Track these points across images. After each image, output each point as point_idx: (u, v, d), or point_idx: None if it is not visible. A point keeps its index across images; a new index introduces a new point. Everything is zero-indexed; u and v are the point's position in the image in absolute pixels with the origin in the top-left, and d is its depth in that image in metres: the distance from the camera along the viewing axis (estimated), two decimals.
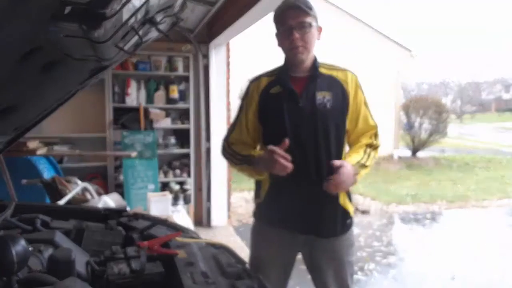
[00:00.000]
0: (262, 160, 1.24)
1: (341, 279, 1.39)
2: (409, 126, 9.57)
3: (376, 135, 1.43)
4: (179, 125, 4.07)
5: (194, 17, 3.60)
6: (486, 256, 3.44)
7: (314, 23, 1.31)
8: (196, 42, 3.96)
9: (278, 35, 1.37)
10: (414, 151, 9.57)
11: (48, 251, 0.86)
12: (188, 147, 4.07)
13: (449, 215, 5.04)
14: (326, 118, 1.32)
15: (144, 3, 0.72)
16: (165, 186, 4.03)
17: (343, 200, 1.37)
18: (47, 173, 2.82)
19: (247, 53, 7.08)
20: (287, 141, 1.18)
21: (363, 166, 1.34)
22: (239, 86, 7.62)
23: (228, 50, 4.16)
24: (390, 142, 9.13)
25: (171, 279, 0.88)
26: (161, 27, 0.88)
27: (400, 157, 9.30)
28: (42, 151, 2.75)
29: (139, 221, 1.19)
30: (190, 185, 4.09)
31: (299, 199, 1.19)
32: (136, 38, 0.84)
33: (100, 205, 1.98)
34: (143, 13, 0.78)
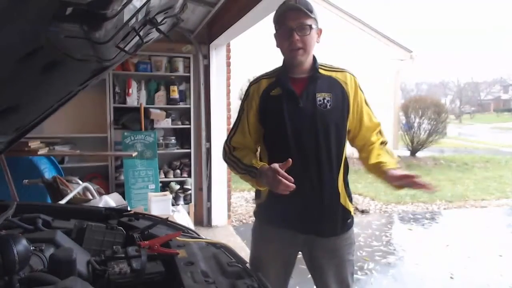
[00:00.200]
0: (265, 177, 1.22)
1: (341, 278, 1.39)
2: (408, 126, 9.57)
3: (381, 132, 1.44)
4: (180, 125, 4.07)
5: (195, 17, 3.61)
6: (484, 256, 3.45)
7: (314, 26, 1.31)
8: (197, 43, 3.96)
9: (277, 36, 1.37)
10: (413, 151, 9.57)
11: (50, 251, 0.87)
12: (189, 147, 4.08)
13: (448, 214, 5.04)
14: (327, 118, 1.33)
15: (145, 4, 0.72)
16: (165, 186, 4.03)
17: (343, 199, 1.38)
18: (48, 173, 2.82)
19: (247, 54, 7.08)
20: (290, 161, 1.17)
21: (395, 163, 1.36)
22: (239, 87, 7.62)
23: (228, 50, 4.16)
24: (389, 142, 9.07)
25: (172, 278, 0.88)
26: (162, 27, 0.88)
27: (399, 157, 9.27)
28: (43, 151, 2.75)
29: (139, 221, 1.19)
30: (190, 185, 4.09)
31: (300, 199, 1.20)
32: (136, 38, 0.85)
33: (101, 205, 1.98)
34: (144, 14, 0.78)
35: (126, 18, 0.70)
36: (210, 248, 1.02)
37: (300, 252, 1.45)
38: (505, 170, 8.24)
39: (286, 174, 1.16)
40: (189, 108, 4.03)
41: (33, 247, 0.83)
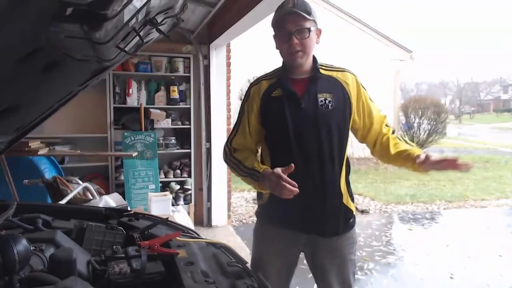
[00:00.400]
0: (268, 181, 1.22)
1: (343, 278, 1.39)
2: (408, 127, 9.58)
3: (388, 123, 1.46)
4: (180, 125, 4.07)
5: (195, 18, 3.61)
6: (484, 256, 3.45)
7: (313, 28, 1.31)
8: (197, 43, 3.96)
9: (276, 39, 1.37)
10: None
11: (50, 251, 0.87)
12: (189, 147, 4.08)
13: (447, 214, 5.04)
14: (329, 119, 1.33)
15: (145, 4, 0.72)
16: (165, 186, 4.03)
17: (346, 199, 1.38)
18: (49, 173, 2.82)
19: (247, 54, 7.08)
20: (292, 166, 1.17)
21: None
22: (239, 87, 7.62)
23: (228, 50, 4.17)
24: None
25: (172, 278, 0.88)
26: (162, 28, 0.88)
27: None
28: (43, 151, 2.75)
29: (139, 221, 1.19)
30: (190, 185, 4.09)
31: (303, 199, 1.19)
32: (137, 39, 0.85)
33: (101, 205, 1.98)
34: (144, 14, 0.78)
35: (126, 18, 0.70)
36: (210, 248, 1.02)
37: (301, 253, 1.45)
38: (504, 170, 8.24)
39: (289, 179, 1.16)
40: (189, 108, 4.04)
41: (33, 247, 0.83)
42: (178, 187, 4.08)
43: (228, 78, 4.17)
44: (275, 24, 1.35)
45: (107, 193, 2.58)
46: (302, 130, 1.32)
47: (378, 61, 9.12)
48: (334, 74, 1.40)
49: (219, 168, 4.07)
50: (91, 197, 2.29)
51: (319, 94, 1.34)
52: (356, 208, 4.98)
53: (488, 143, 14.03)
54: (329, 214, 1.34)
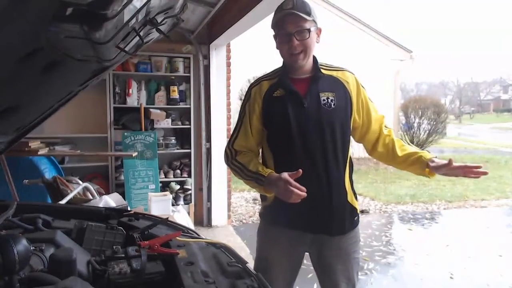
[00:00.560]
0: (275, 186, 1.21)
1: (348, 276, 1.40)
2: (408, 127, 9.58)
3: (386, 124, 1.47)
4: (180, 125, 4.07)
5: (195, 18, 3.61)
6: (484, 256, 3.45)
7: (313, 28, 1.31)
8: (197, 43, 3.96)
9: (276, 39, 1.37)
10: None
11: (50, 251, 0.86)
12: (189, 147, 4.08)
13: (447, 214, 5.04)
14: (332, 118, 1.33)
15: (145, 4, 0.72)
16: (165, 186, 4.04)
17: (350, 197, 1.39)
18: (49, 173, 2.82)
19: (247, 54, 7.08)
20: (300, 171, 1.16)
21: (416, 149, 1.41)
22: (239, 87, 7.62)
23: (228, 50, 4.17)
24: None
25: (172, 278, 0.88)
26: (162, 28, 0.88)
27: None
28: (43, 151, 2.75)
29: (139, 221, 1.19)
30: (190, 185, 4.09)
31: (308, 199, 1.18)
32: (137, 39, 0.85)
33: (101, 205, 1.98)
34: (144, 14, 0.78)
35: (126, 18, 0.70)
36: (210, 248, 1.02)
37: (305, 253, 1.45)
38: (504, 170, 8.24)
39: (298, 185, 1.15)
40: (189, 108, 4.04)
41: (33, 247, 0.83)
42: (178, 187, 4.08)
43: (228, 78, 4.17)
44: (275, 25, 1.35)
45: (107, 193, 2.58)
46: (305, 129, 1.32)
47: (378, 61, 9.11)
48: (334, 73, 1.40)
49: (219, 168, 4.07)
50: (91, 197, 2.29)
51: (321, 93, 1.34)
52: None
53: (488, 143, 14.03)
54: (335, 213, 1.35)
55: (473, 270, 3.15)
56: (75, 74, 0.97)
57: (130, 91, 3.80)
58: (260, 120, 1.38)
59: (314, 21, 1.32)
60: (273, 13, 1.38)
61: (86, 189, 2.34)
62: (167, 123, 3.98)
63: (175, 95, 3.94)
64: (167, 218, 1.24)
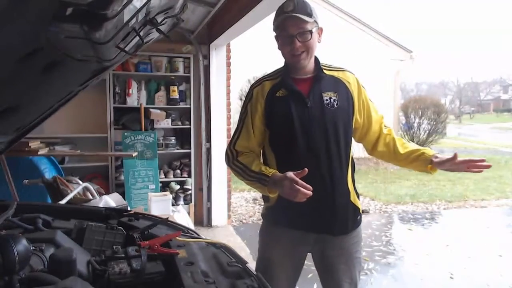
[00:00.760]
0: (280, 186, 1.20)
1: (351, 276, 1.40)
2: (408, 127, 9.58)
3: (386, 124, 1.49)
4: (180, 125, 4.07)
5: (195, 18, 3.61)
6: (484, 256, 3.45)
7: (314, 28, 1.31)
8: (197, 43, 3.96)
9: (278, 40, 1.37)
10: None
11: (50, 251, 0.86)
12: (189, 147, 4.08)
13: (447, 214, 5.04)
14: (335, 117, 1.33)
15: (145, 4, 0.72)
16: (165, 186, 4.04)
17: (353, 197, 1.39)
18: (49, 173, 2.82)
19: (247, 54, 7.08)
20: (306, 170, 1.16)
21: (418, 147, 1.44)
22: (239, 87, 7.62)
23: (228, 50, 4.17)
24: None
25: (172, 278, 0.88)
26: (162, 28, 0.88)
27: None
28: (43, 151, 2.75)
29: (139, 221, 1.19)
30: (190, 185, 4.09)
31: (312, 199, 1.17)
32: (137, 39, 0.85)
33: (101, 205, 1.98)
34: (144, 14, 0.78)
35: (126, 18, 0.70)
36: (210, 248, 1.02)
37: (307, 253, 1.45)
38: (504, 170, 8.24)
39: (304, 183, 1.15)
40: (189, 108, 4.04)
41: (33, 247, 0.83)
42: (178, 187, 4.08)
43: (228, 78, 4.17)
44: (276, 27, 1.35)
45: (107, 193, 2.58)
46: (309, 129, 1.32)
47: (378, 61, 9.11)
48: (335, 73, 1.41)
49: (219, 168, 4.07)
50: (91, 197, 2.29)
51: (324, 93, 1.35)
52: None
53: (488, 143, 14.03)
54: (339, 212, 1.35)
55: (473, 270, 3.15)
56: (75, 74, 0.97)
57: (130, 91, 3.80)
58: (262, 121, 1.38)
59: (315, 21, 1.32)
60: (273, 14, 1.38)
61: (86, 189, 2.34)
62: (167, 123, 3.98)
63: (175, 95, 3.94)
64: (167, 218, 1.24)
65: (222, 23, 3.45)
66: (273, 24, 1.37)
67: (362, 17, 9.67)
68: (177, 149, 4.08)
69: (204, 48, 4.01)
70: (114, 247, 0.93)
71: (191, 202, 4.10)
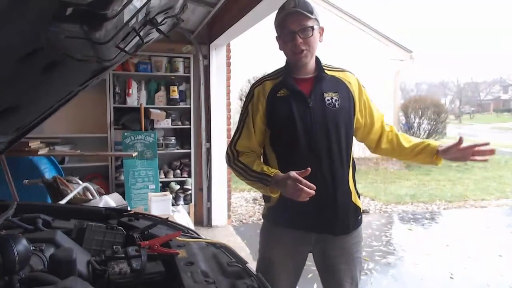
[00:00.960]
0: (283, 185, 1.19)
1: (352, 275, 1.40)
2: (408, 127, 9.58)
3: (387, 122, 1.51)
4: (180, 125, 4.07)
5: (195, 18, 3.61)
6: (484, 256, 3.45)
7: (316, 26, 1.32)
8: (197, 43, 3.96)
9: (279, 39, 1.37)
10: None
11: (50, 251, 0.86)
12: (189, 147, 4.08)
13: (447, 214, 5.04)
14: (336, 118, 1.33)
15: (145, 4, 0.72)
16: (165, 186, 4.04)
17: (354, 197, 1.39)
18: (49, 173, 2.82)
19: (247, 54, 7.08)
20: (309, 169, 1.16)
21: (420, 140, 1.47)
22: (239, 87, 7.62)
23: (228, 50, 4.17)
24: None
25: (172, 278, 0.88)
26: (162, 28, 0.88)
27: None
28: (43, 151, 2.75)
29: (139, 221, 1.19)
30: (190, 185, 4.09)
31: (314, 199, 1.17)
32: (137, 39, 0.85)
33: (101, 205, 1.98)
34: (144, 14, 0.78)
35: (126, 18, 0.70)
36: (210, 248, 1.02)
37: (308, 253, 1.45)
38: (504, 170, 8.25)
39: (308, 183, 1.15)
40: (189, 108, 4.04)
41: (33, 247, 0.83)
42: (178, 187, 4.08)
43: (228, 78, 4.17)
44: (278, 25, 1.35)
45: (107, 193, 2.58)
46: (310, 129, 1.32)
47: (378, 61, 9.12)
48: (336, 74, 1.41)
49: (219, 168, 4.07)
50: (91, 197, 2.29)
51: (325, 93, 1.35)
52: None
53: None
54: (340, 212, 1.35)
55: (473, 270, 3.15)
56: (75, 74, 0.97)
57: (130, 91, 3.80)
58: (264, 120, 1.37)
59: (316, 19, 1.32)
60: (273, 14, 1.39)
61: (86, 189, 2.34)
62: (167, 123, 3.98)
63: (175, 95, 3.94)
64: (167, 218, 1.24)
65: (222, 23, 3.45)
66: (275, 24, 1.37)
67: (362, 17, 9.69)
68: (177, 149, 4.08)
69: (204, 48, 4.01)
70: (114, 247, 0.93)
71: (191, 202, 4.10)
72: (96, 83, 1.31)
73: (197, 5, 3.23)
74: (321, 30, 1.37)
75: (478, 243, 3.80)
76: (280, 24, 1.34)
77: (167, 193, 3.45)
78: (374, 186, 6.52)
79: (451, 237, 4.02)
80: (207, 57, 4.01)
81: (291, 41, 1.30)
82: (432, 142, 1.41)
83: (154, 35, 0.97)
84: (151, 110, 3.85)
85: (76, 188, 2.26)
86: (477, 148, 1.29)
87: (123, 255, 0.90)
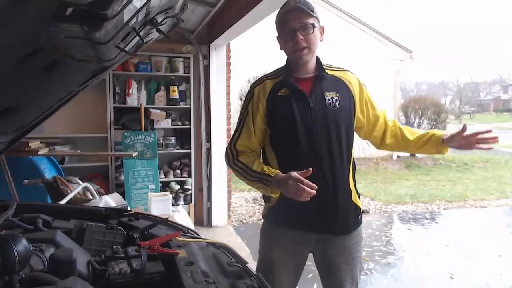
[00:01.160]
0: (284, 185, 1.19)
1: (353, 275, 1.40)
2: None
3: (389, 118, 1.52)
4: (180, 125, 4.07)
5: (195, 18, 3.61)
6: (484, 256, 3.45)
7: (316, 24, 1.32)
8: (197, 43, 3.96)
9: (280, 38, 1.37)
10: None
11: (50, 251, 0.87)
12: (189, 147, 4.08)
13: (447, 214, 5.04)
14: (337, 117, 1.33)
15: (145, 4, 0.72)
16: (165, 186, 4.04)
17: (354, 196, 1.39)
18: (49, 173, 2.82)
19: (247, 54, 7.08)
20: (311, 169, 1.16)
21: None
22: (239, 87, 7.62)
23: (228, 50, 4.17)
24: None
25: (172, 278, 0.88)
26: (162, 28, 0.88)
27: (399, 157, 9.31)
28: (43, 151, 2.75)
29: (139, 221, 1.19)
30: (190, 185, 4.09)
31: (314, 198, 1.17)
32: (137, 39, 0.85)
33: (101, 205, 1.98)
34: (144, 14, 0.78)
35: (126, 18, 0.70)
36: (210, 248, 1.02)
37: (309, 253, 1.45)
38: (504, 170, 8.25)
39: (310, 182, 1.15)
40: (189, 108, 4.04)
41: (33, 247, 0.83)
42: (178, 187, 4.08)
43: (228, 78, 4.17)
44: (279, 23, 1.35)
45: (107, 193, 2.58)
46: (311, 129, 1.32)
47: (378, 61, 9.11)
48: (336, 73, 1.41)
49: (219, 168, 4.07)
50: (91, 197, 2.29)
51: (326, 93, 1.35)
52: None
53: None
54: (341, 212, 1.35)
55: (473, 270, 3.15)
56: (75, 74, 0.97)
57: (130, 91, 3.80)
58: (264, 120, 1.37)
59: (317, 18, 1.32)
60: (273, 14, 1.39)
61: (86, 189, 2.34)
62: (167, 123, 3.98)
63: (175, 95, 3.94)
64: (167, 218, 1.24)
65: (222, 23, 3.45)
66: (275, 23, 1.37)
67: (362, 17, 9.67)
68: (177, 149, 4.08)
69: (204, 48, 4.01)
70: (114, 247, 0.93)
71: (191, 202, 4.10)
72: (96, 83, 1.31)
73: (197, 5, 3.23)
74: (322, 29, 1.37)
75: (478, 243, 3.80)
76: (281, 22, 1.34)
77: (167, 193, 3.45)
78: (374, 186, 6.52)
79: (451, 237, 4.02)
80: (207, 57, 4.01)
81: (292, 39, 1.30)
82: (437, 131, 1.42)
83: (154, 35, 0.97)
84: (151, 110, 3.85)
85: (76, 188, 2.26)
86: (480, 136, 1.32)
87: (123, 255, 0.90)
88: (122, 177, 3.80)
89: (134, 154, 3.39)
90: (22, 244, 0.72)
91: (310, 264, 1.48)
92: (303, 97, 1.34)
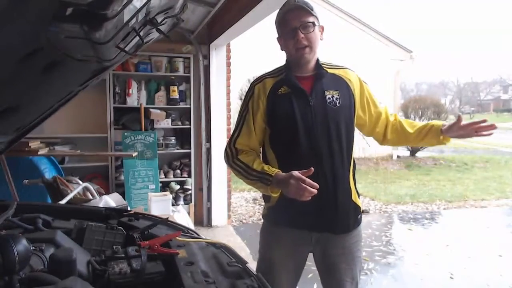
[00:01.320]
0: (285, 185, 1.18)
1: (353, 274, 1.40)
2: None
3: (390, 113, 1.53)
4: (180, 125, 4.07)
5: (195, 18, 3.61)
6: (484, 256, 3.45)
7: (316, 23, 1.32)
8: (197, 43, 3.96)
9: (281, 38, 1.37)
10: (413, 152, 9.57)
11: (50, 251, 0.87)
12: (189, 147, 4.08)
13: (447, 214, 5.04)
14: (337, 116, 1.33)
15: (145, 4, 0.72)
16: (165, 186, 4.04)
17: (354, 195, 1.39)
18: (49, 173, 2.82)
19: (247, 54, 7.08)
20: (312, 169, 1.16)
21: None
22: (239, 87, 7.62)
23: (228, 50, 4.17)
24: None
25: (172, 278, 0.88)
26: (162, 28, 0.88)
27: (399, 157, 9.31)
28: (43, 151, 2.75)
29: (139, 221, 1.19)
30: (190, 185, 4.09)
31: (314, 198, 1.16)
32: (137, 39, 0.85)
33: (101, 205, 1.98)
34: (144, 14, 0.78)
35: (126, 18, 0.70)
36: (210, 248, 1.02)
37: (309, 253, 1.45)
38: (504, 170, 8.24)
39: (311, 182, 1.14)
40: (189, 108, 4.04)
41: (33, 247, 0.83)
42: (178, 187, 4.08)
43: (228, 78, 4.17)
44: (279, 23, 1.35)
45: (107, 193, 2.58)
46: (311, 128, 1.31)
47: (378, 61, 9.11)
48: (336, 72, 1.41)
49: (219, 168, 4.07)
50: (91, 197, 2.29)
51: (326, 91, 1.34)
52: None
53: (488, 143, 14.01)
54: (341, 211, 1.35)
55: (473, 270, 3.15)
56: (75, 74, 0.97)
57: (130, 91, 3.80)
58: (264, 118, 1.36)
59: (316, 17, 1.33)
60: (273, 14, 1.39)
61: (86, 189, 2.34)
62: (167, 123, 3.98)
63: (175, 95, 3.94)
64: (167, 218, 1.24)
65: (222, 23, 3.45)
66: (275, 23, 1.37)
67: (362, 17, 9.68)
68: (177, 149, 4.08)
69: (204, 48, 4.01)
70: (114, 247, 0.93)
71: (191, 202, 4.10)
72: (96, 83, 1.31)
73: (197, 5, 3.23)
74: (321, 28, 1.37)
75: (478, 243, 3.80)
76: (281, 22, 1.34)
77: (167, 193, 3.45)
78: (374, 186, 6.52)
79: (451, 237, 4.02)
80: (207, 57, 4.01)
81: (293, 38, 1.30)
82: (436, 122, 1.43)
83: (154, 35, 0.97)
84: (151, 110, 3.85)
85: (76, 188, 2.26)
86: (477, 125, 1.32)
87: (123, 255, 0.90)
88: (122, 177, 3.80)
89: (134, 154, 3.39)
90: (22, 244, 0.72)
91: (310, 264, 1.48)
92: (304, 95, 1.33)
